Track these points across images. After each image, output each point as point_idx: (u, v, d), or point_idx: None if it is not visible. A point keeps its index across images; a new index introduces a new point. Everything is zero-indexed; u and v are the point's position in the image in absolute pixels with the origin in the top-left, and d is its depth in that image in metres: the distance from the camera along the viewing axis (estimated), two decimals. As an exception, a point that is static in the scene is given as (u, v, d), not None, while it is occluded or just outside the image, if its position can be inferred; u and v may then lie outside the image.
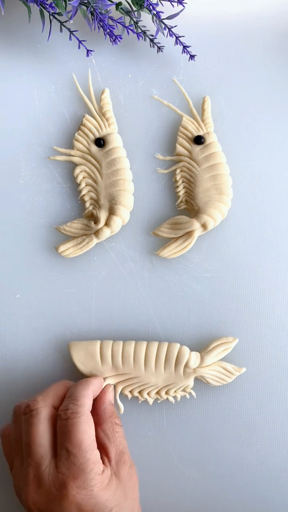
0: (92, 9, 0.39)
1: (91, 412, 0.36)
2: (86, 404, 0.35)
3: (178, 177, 0.42)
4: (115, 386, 0.41)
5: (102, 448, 0.35)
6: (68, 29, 0.41)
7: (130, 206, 0.42)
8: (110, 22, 0.40)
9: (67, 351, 0.41)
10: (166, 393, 0.40)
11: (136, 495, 0.37)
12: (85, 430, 0.33)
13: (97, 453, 0.34)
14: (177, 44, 0.41)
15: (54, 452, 0.34)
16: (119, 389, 0.41)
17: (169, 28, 0.41)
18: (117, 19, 0.40)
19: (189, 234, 0.41)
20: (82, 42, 0.41)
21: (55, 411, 0.35)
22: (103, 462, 0.34)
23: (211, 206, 0.41)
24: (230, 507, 0.41)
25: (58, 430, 0.34)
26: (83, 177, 0.42)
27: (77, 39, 0.41)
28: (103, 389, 0.39)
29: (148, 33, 0.42)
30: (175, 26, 0.41)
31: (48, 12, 0.39)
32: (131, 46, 0.43)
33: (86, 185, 0.42)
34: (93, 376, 0.39)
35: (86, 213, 0.42)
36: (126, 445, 0.37)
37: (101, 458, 0.34)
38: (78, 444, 0.33)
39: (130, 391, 0.40)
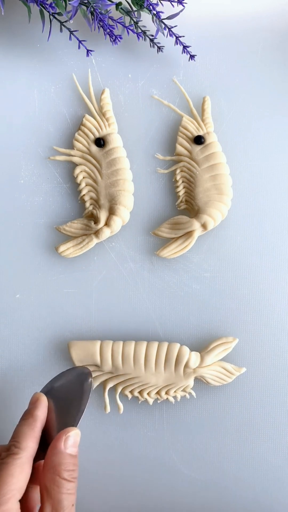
0: (92, 9, 0.39)
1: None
2: (28, 447, 0.33)
3: (178, 177, 0.42)
4: (115, 386, 0.41)
5: (41, 499, 0.32)
6: (68, 29, 0.41)
7: (130, 206, 0.42)
8: (110, 22, 0.40)
9: (67, 351, 0.41)
10: (166, 393, 0.40)
11: None
12: (14, 474, 0.31)
13: (14, 503, 0.30)
14: (177, 44, 0.41)
15: None
16: (119, 389, 0.41)
17: (169, 28, 0.41)
18: (117, 19, 0.40)
19: (189, 234, 0.41)
20: (82, 42, 0.41)
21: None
22: None
23: (211, 206, 0.41)
24: (230, 507, 0.41)
25: None
26: (83, 177, 0.42)
27: (77, 39, 0.41)
28: (58, 434, 0.34)
29: (148, 33, 0.42)
30: (175, 26, 0.41)
31: (48, 12, 0.39)
32: (131, 46, 0.43)
33: (86, 185, 0.42)
34: (40, 409, 0.36)
35: (86, 213, 0.42)
36: (69, 505, 0.32)
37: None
38: (0, 484, 0.30)
39: (130, 391, 0.40)
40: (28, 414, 0.35)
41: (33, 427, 0.34)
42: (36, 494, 0.35)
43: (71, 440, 0.34)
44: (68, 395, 0.37)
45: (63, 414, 0.36)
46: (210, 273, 0.42)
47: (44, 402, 0.36)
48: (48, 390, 0.38)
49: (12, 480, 0.31)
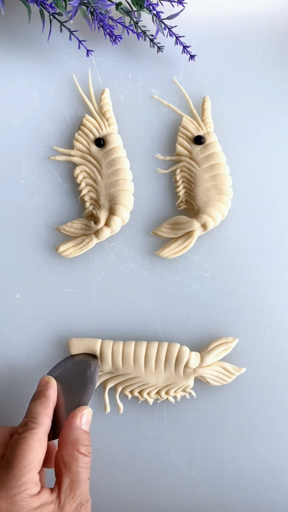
0: (92, 9, 0.39)
1: (60, 433, 0.35)
2: (44, 423, 0.34)
3: (178, 177, 0.42)
4: (115, 386, 0.41)
5: (57, 474, 0.34)
6: (68, 29, 0.41)
7: (130, 206, 0.42)
8: (110, 22, 0.40)
9: (67, 351, 0.41)
10: (166, 393, 0.40)
11: None
12: (33, 447, 0.32)
13: (35, 475, 0.32)
14: (177, 44, 0.41)
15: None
16: (119, 389, 0.41)
17: (169, 28, 0.41)
18: (117, 19, 0.40)
19: (189, 234, 0.41)
20: (82, 42, 0.41)
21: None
22: (53, 490, 0.33)
23: (211, 206, 0.41)
24: (230, 507, 0.41)
25: (10, 443, 0.33)
26: (83, 177, 0.42)
27: (77, 39, 0.41)
28: (72, 412, 0.36)
29: (148, 33, 0.42)
30: (175, 26, 0.41)
31: (48, 12, 0.39)
32: (131, 46, 0.43)
33: (86, 185, 0.42)
34: (52, 389, 0.37)
35: (86, 213, 0.42)
36: (85, 478, 0.33)
37: (54, 486, 0.33)
38: (20, 457, 0.31)
39: (130, 391, 0.41)
40: (40, 394, 0.36)
41: (46, 406, 0.35)
42: (42, 473, 0.36)
43: (85, 418, 0.36)
44: (74, 378, 0.38)
45: (70, 396, 0.37)
46: (210, 273, 0.42)
47: (54, 383, 0.37)
48: (54, 374, 0.39)
49: (32, 453, 0.32)
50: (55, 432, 0.36)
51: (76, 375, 0.39)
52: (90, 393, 0.37)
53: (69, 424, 0.35)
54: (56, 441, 0.36)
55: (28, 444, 0.32)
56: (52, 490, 0.33)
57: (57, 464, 0.34)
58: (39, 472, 0.33)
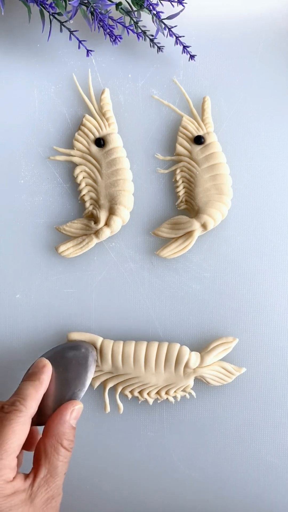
0: (92, 9, 0.39)
1: (48, 422, 0.35)
2: (31, 407, 0.34)
3: (178, 177, 0.42)
4: (115, 386, 0.41)
5: (36, 462, 0.33)
6: (68, 29, 0.41)
7: (130, 206, 0.42)
8: (110, 22, 0.40)
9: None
10: (166, 393, 0.40)
11: None
12: (16, 431, 0.32)
13: (13, 460, 0.31)
14: (177, 44, 0.41)
15: None
16: (119, 389, 0.41)
17: (169, 28, 0.41)
18: (117, 19, 0.40)
19: (189, 234, 0.41)
20: (82, 42, 0.41)
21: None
22: (28, 477, 0.32)
23: (211, 206, 0.41)
24: (230, 507, 0.41)
25: None
26: (83, 177, 0.42)
27: (77, 39, 0.41)
28: (64, 405, 0.35)
29: (148, 33, 0.42)
30: (175, 26, 0.41)
31: (48, 12, 0.39)
32: (131, 46, 0.43)
33: (86, 185, 0.42)
34: (47, 374, 0.37)
35: (86, 213, 0.42)
36: (62, 473, 0.33)
37: (29, 473, 0.33)
38: (1, 440, 0.31)
39: (130, 391, 0.41)
40: (34, 376, 0.36)
41: (37, 389, 0.35)
42: (20, 455, 0.36)
43: (75, 413, 0.35)
44: (70, 368, 0.38)
45: (63, 385, 0.37)
46: (210, 273, 0.42)
47: (50, 369, 0.37)
48: (51, 358, 0.38)
49: (14, 438, 0.32)
50: (38, 418, 0.35)
51: (72, 363, 0.38)
52: (84, 386, 0.37)
53: (59, 416, 0.35)
54: (40, 428, 0.35)
55: (12, 427, 0.32)
56: (26, 477, 0.32)
57: (38, 451, 0.34)
58: (18, 455, 0.33)
